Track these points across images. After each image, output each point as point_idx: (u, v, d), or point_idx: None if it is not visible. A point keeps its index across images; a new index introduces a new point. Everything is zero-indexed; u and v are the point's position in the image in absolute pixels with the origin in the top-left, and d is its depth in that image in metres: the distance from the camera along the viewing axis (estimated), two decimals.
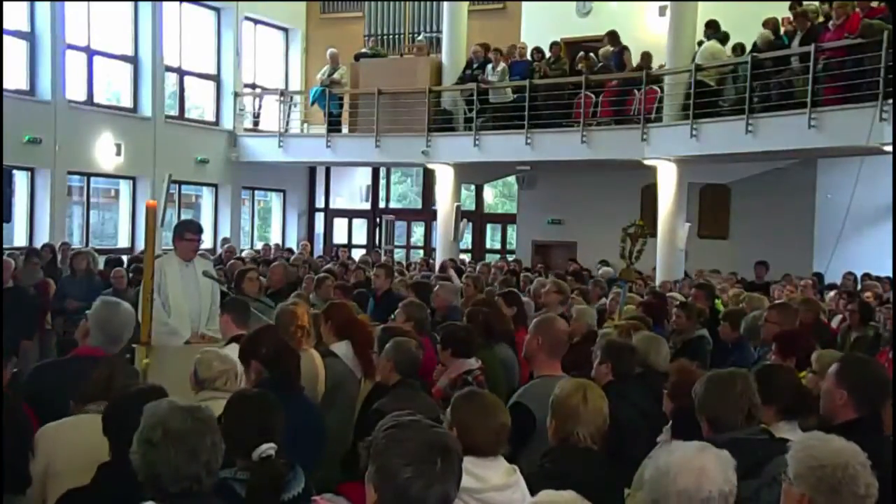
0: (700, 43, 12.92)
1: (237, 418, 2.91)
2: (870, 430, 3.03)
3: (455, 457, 2.03)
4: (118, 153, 15.12)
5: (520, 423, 3.89)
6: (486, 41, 15.75)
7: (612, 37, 14.45)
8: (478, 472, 2.86)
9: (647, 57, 13.84)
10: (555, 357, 4.29)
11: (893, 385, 3.61)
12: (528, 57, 15.17)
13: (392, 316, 6.32)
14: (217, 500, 2.57)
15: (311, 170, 19.93)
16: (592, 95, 13.98)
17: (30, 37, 13.92)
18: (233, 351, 4.39)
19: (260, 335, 4.09)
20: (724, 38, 12.81)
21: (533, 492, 2.68)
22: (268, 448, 2.71)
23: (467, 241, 17.83)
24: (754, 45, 11.97)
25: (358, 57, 17.20)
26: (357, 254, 16.98)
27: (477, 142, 14.83)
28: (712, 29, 12.82)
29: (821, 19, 11.23)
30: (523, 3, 17.32)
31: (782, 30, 12.01)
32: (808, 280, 11.27)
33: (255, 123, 18.63)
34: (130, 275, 9.93)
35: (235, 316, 5.13)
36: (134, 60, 15.80)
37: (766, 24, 12.14)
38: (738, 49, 12.44)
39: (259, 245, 17.77)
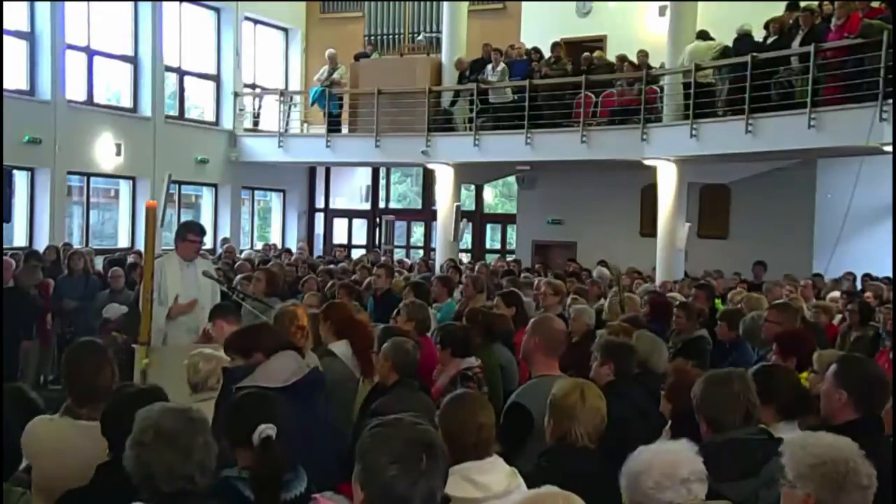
0: None
1: (239, 415, 2.91)
2: (870, 431, 3.03)
3: (440, 454, 2.03)
4: (118, 153, 15.12)
5: (518, 423, 3.90)
6: (485, 41, 15.75)
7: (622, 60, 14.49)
8: (478, 479, 2.85)
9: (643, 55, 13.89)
10: (552, 356, 4.29)
11: (893, 385, 3.62)
12: (525, 57, 15.19)
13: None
14: (213, 501, 2.57)
15: (311, 170, 19.94)
16: (592, 95, 13.98)
17: (30, 37, 13.92)
18: None
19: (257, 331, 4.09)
20: (704, 37, 12.80)
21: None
22: (266, 428, 2.70)
23: (467, 241, 17.82)
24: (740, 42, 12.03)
25: (358, 57, 17.22)
26: (357, 254, 17.00)
27: (477, 142, 14.83)
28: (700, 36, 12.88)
29: (819, 20, 11.21)
30: (523, 3, 17.32)
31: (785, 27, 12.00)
32: (808, 280, 11.27)
33: (255, 123, 18.62)
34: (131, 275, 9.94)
35: (227, 319, 5.13)
36: (134, 60, 15.80)
37: (767, 25, 12.14)
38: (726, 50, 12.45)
39: (259, 245, 17.78)
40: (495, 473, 2.92)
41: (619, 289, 7.96)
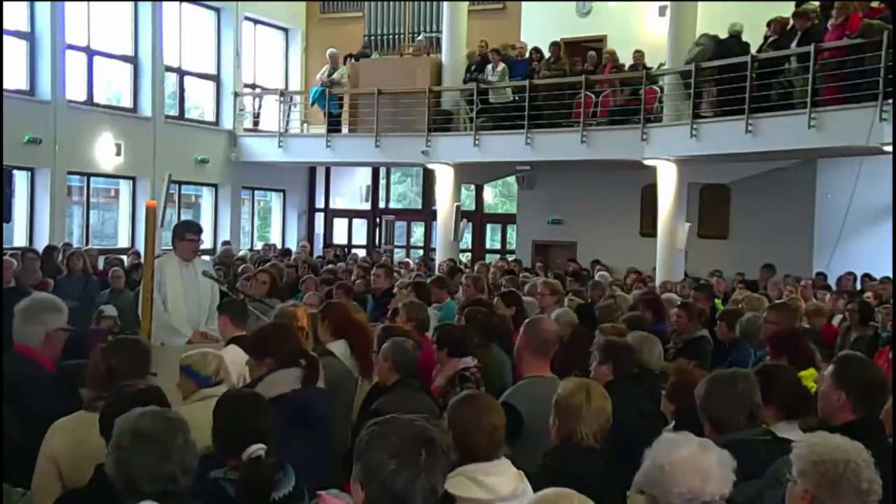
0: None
1: (227, 418, 2.91)
2: (869, 432, 3.01)
3: (439, 449, 2.03)
4: (118, 153, 15.11)
5: (507, 423, 3.89)
6: (485, 41, 15.76)
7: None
8: (486, 480, 2.83)
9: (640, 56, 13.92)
10: (540, 357, 4.28)
11: (893, 385, 3.61)
12: (527, 57, 15.20)
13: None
14: (196, 501, 2.57)
15: (311, 170, 19.93)
16: (592, 95, 13.98)
17: (30, 37, 13.91)
18: (231, 352, 4.39)
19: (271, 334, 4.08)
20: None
21: (534, 491, 2.66)
22: (257, 449, 2.71)
23: (467, 241, 17.82)
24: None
25: (357, 57, 17.21)
26: (356, 254, 16.99)
27: (477, 142, 14.83)
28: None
29: (817, 20, 11.21)
30: (523, 3, 17.31)
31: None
32: (808, 280, 11.28)
33: (255, 123, 18.62)
34: (132, 275, 9.93)
35: (232, 317, 5.12)
36: (134, 60, 15.79)
37: (769, 25, 12.13)
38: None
39: (259, 245, 17.77)
40: (502, 475, 2.89)
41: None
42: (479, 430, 2.92)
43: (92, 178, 15.42)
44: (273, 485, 2.72)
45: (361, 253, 17.39)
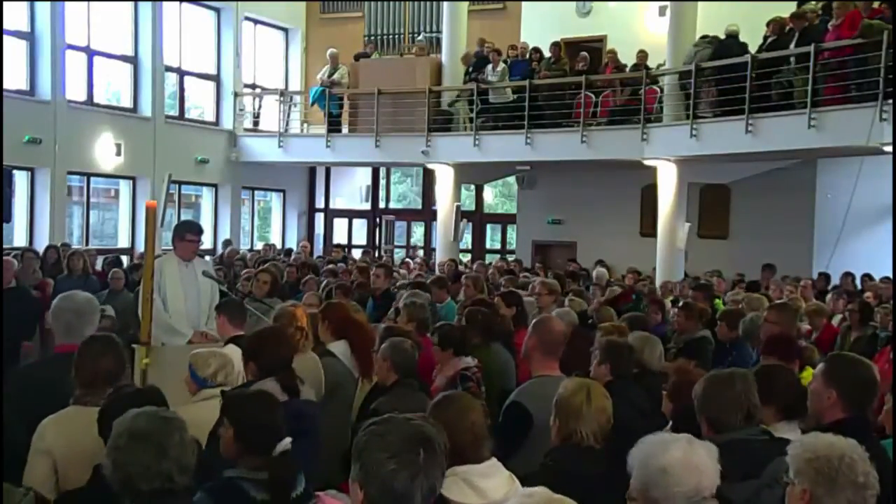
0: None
1: (247, 418, 2.90)
2: (859, 430, 3.00)
3: (438, 448, 2.03)
4: (118, 153, 15.12)
5: (517, 423, 3.89)
6: (491, 42, 15.74)
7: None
8: (480, 483, 2.83)
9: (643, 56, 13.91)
10: (550, 356, 4.30)
11: (893, 385, 3.60)
12: (526, 57, 15.20)
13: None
14: (209, 502, 2.57)
15: (311, 170, 19.94)
16: (592, 95, 13.98)
17: (30, 37, 13.91)
18: (230, 352, 4.39)
19: (262, 339, 4.06)
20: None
21: None
22: (287, 443, 2.72)
23: (467, 240, 17.82)
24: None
25: (358, 57, 17.22)
26: (357, 254, 17.00)
27: (477, 142, 14.83)
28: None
29: (817, 21, 11.21)
30: (523, 3, 17.32)
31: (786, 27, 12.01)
32: (807, 280, 11.28)
33: (255, 123, 18.62)
34: (132, 276, 9.92)
35: (231, 317, 5.12)
36: (134, 60, 15.80)
37: (768, 25, 12.13)
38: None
39: (259, 245, 17.77)
40: (495, 478, 2.89)
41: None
42: (459, 429, 2.90)
43: (92, 178, 15.42)
44: (296, 482, 2.72)
45: (359, 254, 17.38)
